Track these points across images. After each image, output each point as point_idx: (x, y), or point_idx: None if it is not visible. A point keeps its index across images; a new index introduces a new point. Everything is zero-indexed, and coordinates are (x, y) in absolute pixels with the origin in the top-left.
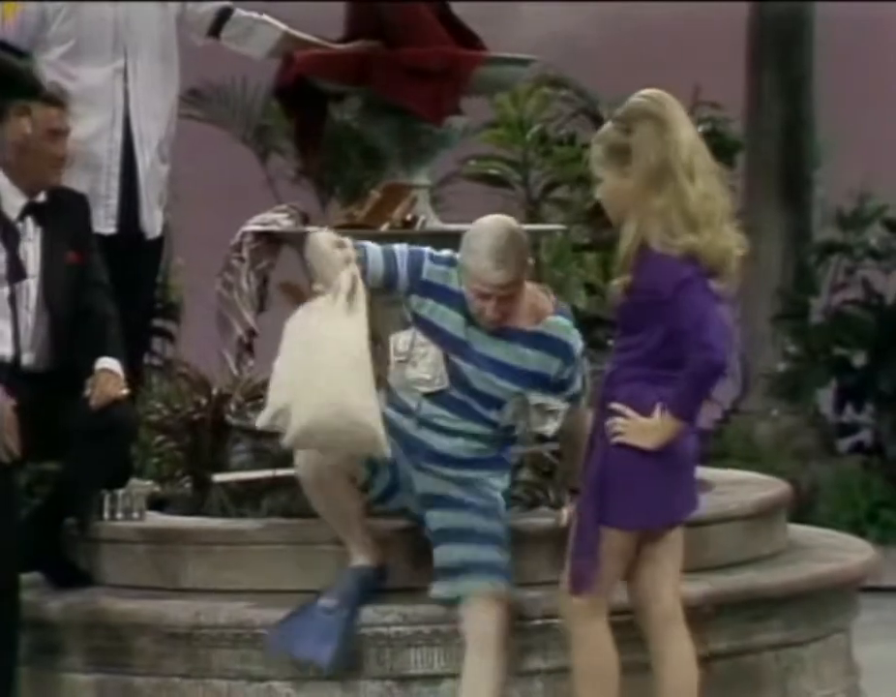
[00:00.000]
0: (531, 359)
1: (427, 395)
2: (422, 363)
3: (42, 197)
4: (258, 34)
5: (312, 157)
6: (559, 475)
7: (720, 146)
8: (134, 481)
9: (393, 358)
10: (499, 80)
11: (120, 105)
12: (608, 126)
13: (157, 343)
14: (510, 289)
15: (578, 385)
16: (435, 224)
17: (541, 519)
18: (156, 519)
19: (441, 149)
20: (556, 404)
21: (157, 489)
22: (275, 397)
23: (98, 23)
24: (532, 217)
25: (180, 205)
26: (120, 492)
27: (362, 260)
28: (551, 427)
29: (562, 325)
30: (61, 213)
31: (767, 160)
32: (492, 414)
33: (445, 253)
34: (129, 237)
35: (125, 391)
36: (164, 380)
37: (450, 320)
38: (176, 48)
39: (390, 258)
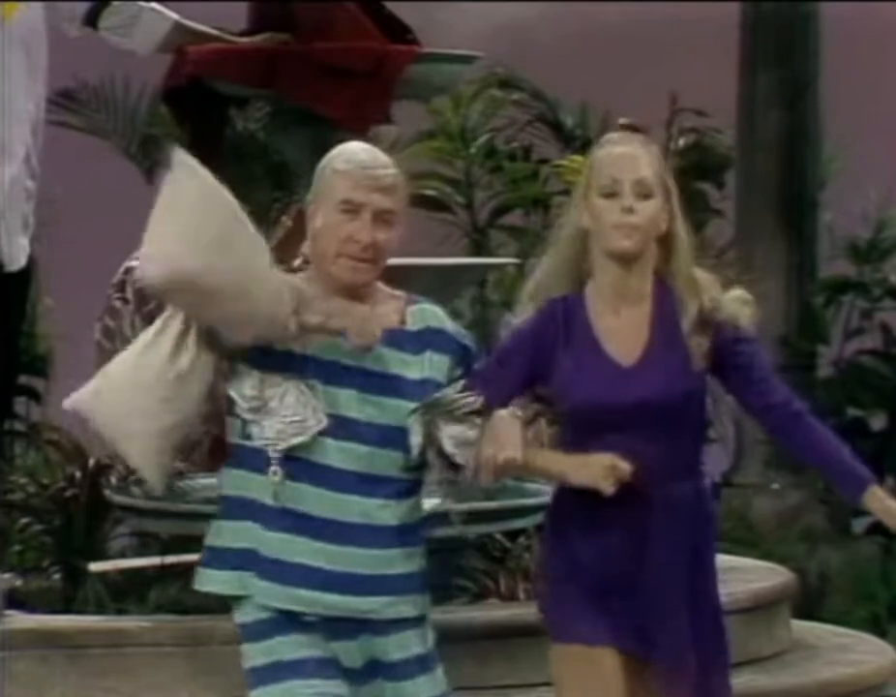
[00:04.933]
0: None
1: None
2: (283, 404)
3: None
4: (144, 24)
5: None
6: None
7: (706, 162)
8: None
9: (243, 412)
10: (437, 81)
11: None
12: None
13: (20, 403)
14: (391, 202)
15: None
16: None
17: (491, 612)
18: (17, 619)
19: None
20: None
21: (19, 582)
22: None
23: None
24: (478, 247)
25: (49, 233)
26: None
27: None
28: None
29: (433, 312)
30: None
31: (763, 178)
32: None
33: None
34: None
35: None
36: (29, 450)
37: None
38: (44, 40)
39: None
